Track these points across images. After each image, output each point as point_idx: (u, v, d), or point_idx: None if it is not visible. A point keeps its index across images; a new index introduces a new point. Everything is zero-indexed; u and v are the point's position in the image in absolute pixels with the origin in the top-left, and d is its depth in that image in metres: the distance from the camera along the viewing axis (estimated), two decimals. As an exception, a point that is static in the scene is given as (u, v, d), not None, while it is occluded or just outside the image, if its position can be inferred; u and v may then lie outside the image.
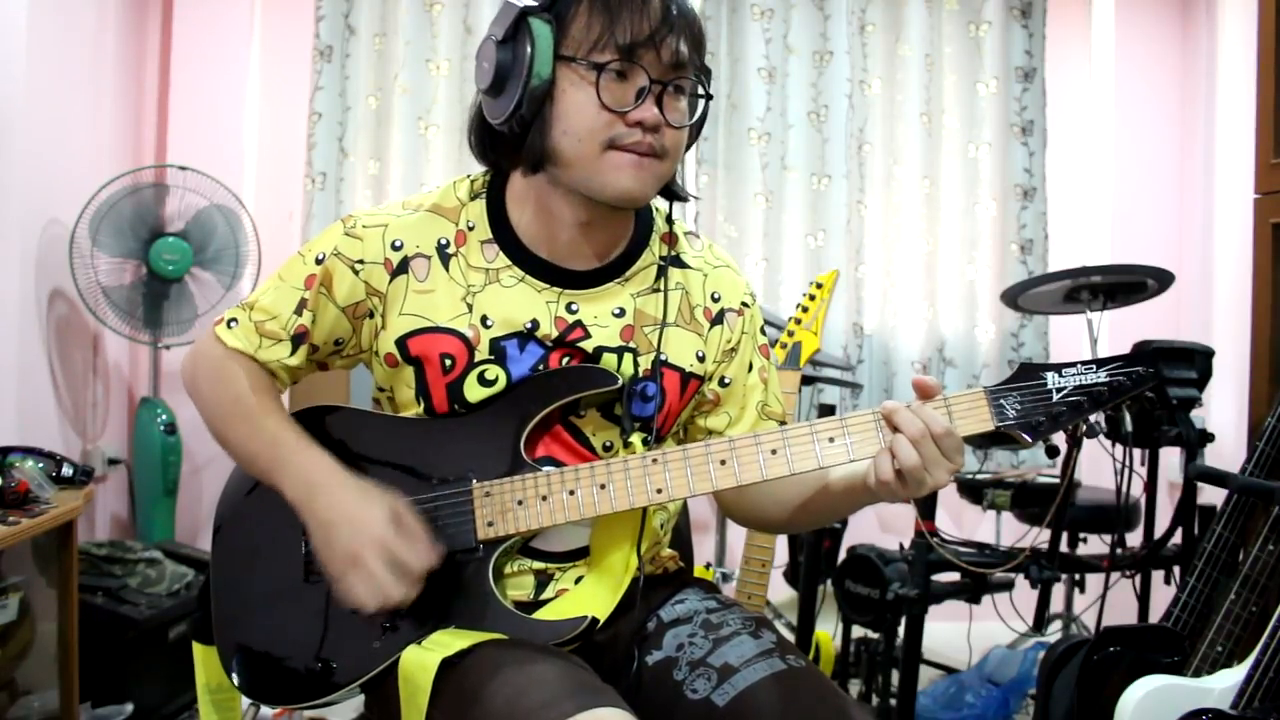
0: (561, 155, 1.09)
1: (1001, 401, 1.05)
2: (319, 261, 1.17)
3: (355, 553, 1.05)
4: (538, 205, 1.16)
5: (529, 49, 1.06)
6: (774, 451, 1.08)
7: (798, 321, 2.03)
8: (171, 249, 2.74)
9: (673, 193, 1.21)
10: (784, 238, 3.40)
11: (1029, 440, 1.06)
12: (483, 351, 1.15)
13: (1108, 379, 1.05)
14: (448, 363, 1.15)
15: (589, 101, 1.06)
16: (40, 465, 2.11)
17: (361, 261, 1.16)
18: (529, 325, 1.15)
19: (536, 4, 1.07)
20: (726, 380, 1.26)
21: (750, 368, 1.27)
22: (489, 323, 1.15)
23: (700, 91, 1.13)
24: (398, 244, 1.16)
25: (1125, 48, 3.44)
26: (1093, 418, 1.06)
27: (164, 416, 2.88)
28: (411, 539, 1.07)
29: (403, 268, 1.16)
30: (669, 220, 1.25)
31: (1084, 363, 1.06)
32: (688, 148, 1.17)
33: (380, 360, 1.18)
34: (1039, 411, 1.05)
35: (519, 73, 1.07)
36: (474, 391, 1.15)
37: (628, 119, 1.07)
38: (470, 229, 1.18)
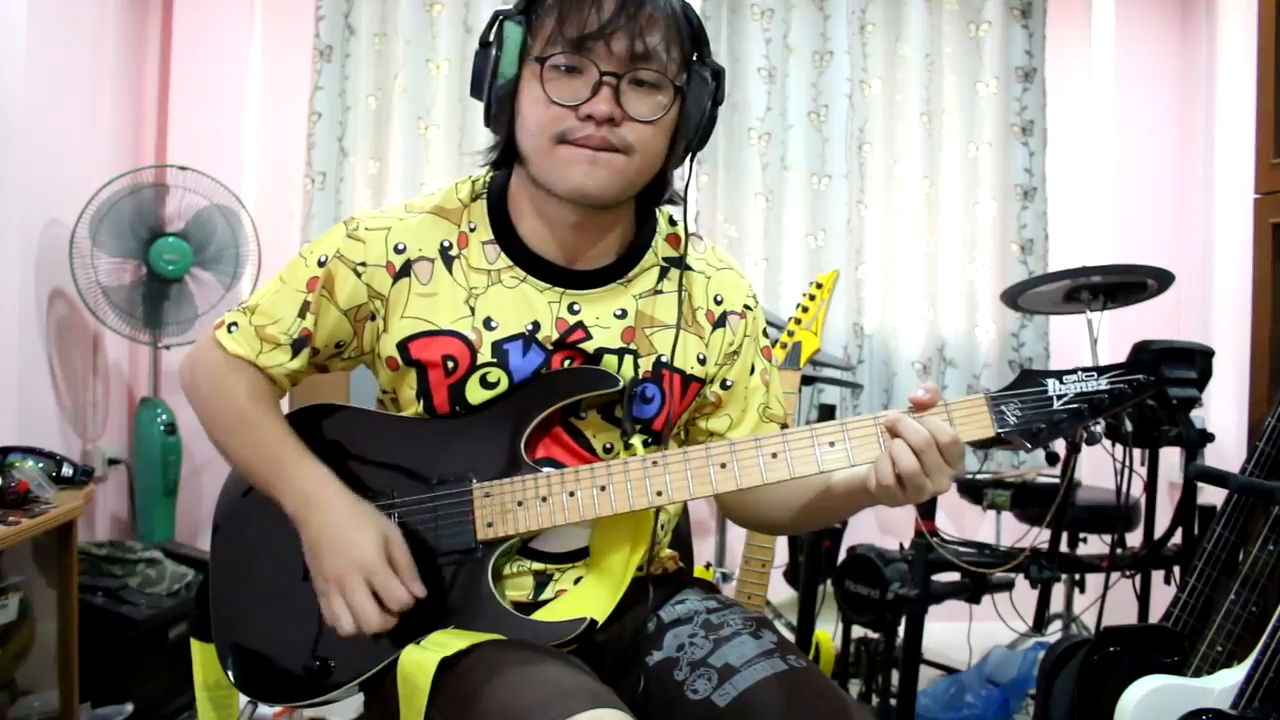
0: (524, 152, 1.12)
1: (1002, 408, 1.05)
2: (321, 264, 1.17)
3: (339, 575, 1.08)
4: (534, 206, 1.16)
5: (497, 50, 1.08)
6: (774, 455, 1.07)
7: (798, 321, 2.03)
8: (171, 249, 2.74)
9: (659, 192, 1.19)
10: (784, 238, 3.40)
11: (1029, 447, 1.05)
12: (485, 354, 1.14)
13: (1109, 386, 1.04)
14: (450, 365, 1.15)
15: (541, 97, 1.07)
16: (40, 465, 2.11)
17: (364, 264, 1.16)
18: (530, 328, 1.15)
19: (513, 7, 1.10)
20: (728, 383, 1.25)
21: (752, 370, 1.27)
22: (492, 325, 1.15)
23: (677, 84, 1.08)
24: (400, 247, 1.16)
25: (1125, 48, 3.44)
26: (1093, 425, 1.06)
27: (164, 416, 2.88)
28: (397, 570, 1.09)
29: (405, 270, 1.16)
30: (671, 221, 1.25)
31: (1085, 370, 1.05)
32: (689, 144, 1.13)
33: (383, 363, 1.18)
34: (1040, 418, 1.04)
35: (488, 74, 1.09)
36: (476, 394, 1.15)
37: (578, 112, 1.06)
38: (472, 230, 1.18)
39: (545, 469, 1.13)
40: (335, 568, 1.08)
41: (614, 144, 1.07)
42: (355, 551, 1.08)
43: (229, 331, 1.19)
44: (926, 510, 2.33)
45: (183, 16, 3.20)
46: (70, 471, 2.18)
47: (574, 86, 1.06)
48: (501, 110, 1.10)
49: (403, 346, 1.15)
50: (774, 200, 3.40)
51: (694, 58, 1.11)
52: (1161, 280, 2.40)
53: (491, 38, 1.10)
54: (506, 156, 1.16)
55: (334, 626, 1.08)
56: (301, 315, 1.17)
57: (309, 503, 1.11)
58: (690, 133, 1.12)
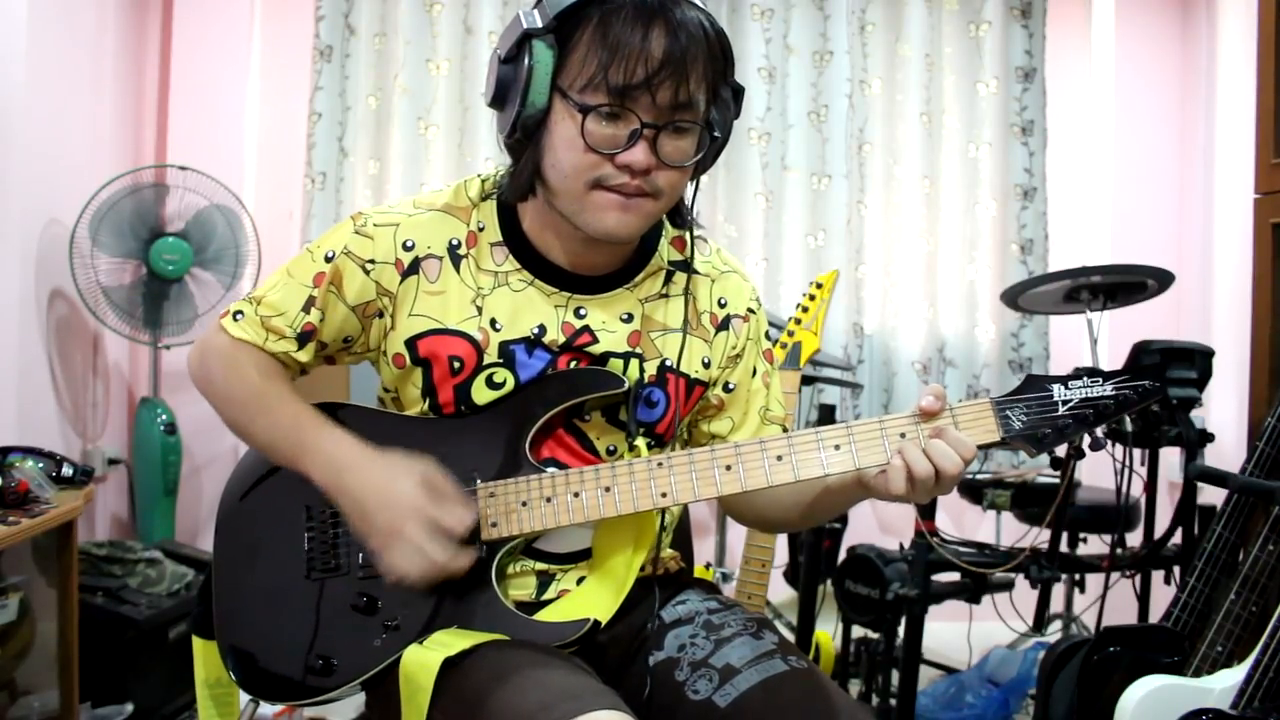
0: (549, 186, 1.09)
1: (1008, 413, 1.05)
2: (328, 259, 1.16)
3: (396, 527, 1.06)
4: (546, 220, 1.15)
5: (526, 74, 1.04)
6: (779, 458, 1.07)
7: (798, 321, 2.03)
8: (171, 249, 2.74)
9: (673, 220, 1.21)
10: (784, 238, 3.40)
11: (1034, 452, 1.06)
12: (491, 354, 1.14)
13: (1114, 392, 1.04)
14: (456, 365, 1.15)
15: (576, 141, 1.04)
16: (40, 465, 2.11)
17: (373, 261, 1.15)
18: (536, 331, 1.15)
19: (541, 26, 1.03)
20: (730, 386, 1.25)
21: (754, 373, 1.27)
22: (498, 326, 1.15)
23: (714, 130, 1.08)
24: (409, 244, 1.15)
25: (1125, 47, 3.44)
26: (1098, 431, 1.06)
27: (164, 416, 2.87)
28: (447, 502, 1.08)
29: (414, 268, 1.15)
30: (677, 224, 1.24)
31: (1090, 375, 1.05)
32: (698, 174, 1.14)
33: (389, 361, 1.17)
34: (1045, 424, 1.04)
35: (515, 97, 1.06)
36: (481, 394, 1.15)
37: (616, 161, 1.04)
38: (480, 230, 1.17)
39: (550, 469, 1.13)
40: (389, 521, 1.06)
41: (646, 190, 1.07)
42: (404, 500, 1.06)
43: (235, 319, 1.19)
44: (926, 510, 2.33)
45: (183, 16, 3.20)
46: (70, 471, 2.18)
47: (611, 131, 1.04)
48: (528, 138, 1.08)
49: (410, 344, 1.15)
50: (774, 200, 3.40)
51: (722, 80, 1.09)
52: (1161, 280, 2.40)
53: (519, 56, 1.05)
54: (516, 178, 1.13)
55: (400, 581, 1.07)
56: (305, 310, 1.17)
57: (341, 468, 1.10)
58: (710, 160, 1.13)
